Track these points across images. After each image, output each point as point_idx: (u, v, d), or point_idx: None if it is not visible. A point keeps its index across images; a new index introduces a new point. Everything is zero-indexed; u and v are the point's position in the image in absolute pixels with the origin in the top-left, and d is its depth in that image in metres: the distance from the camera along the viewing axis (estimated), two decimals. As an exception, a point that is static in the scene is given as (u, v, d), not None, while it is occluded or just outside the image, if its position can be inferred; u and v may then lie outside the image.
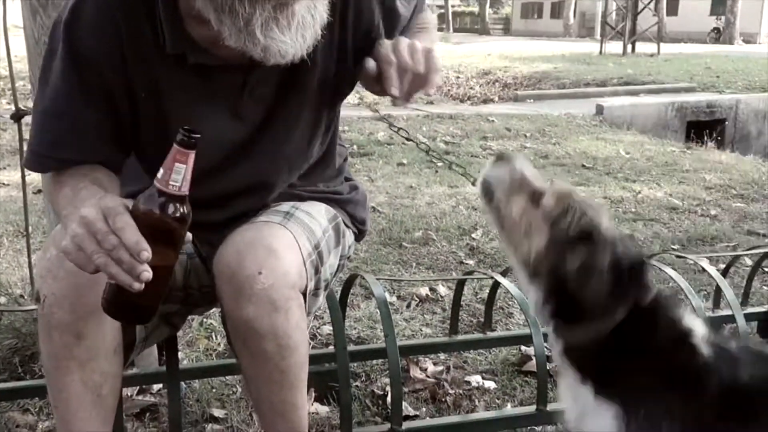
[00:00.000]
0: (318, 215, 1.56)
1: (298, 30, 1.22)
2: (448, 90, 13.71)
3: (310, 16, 1.23)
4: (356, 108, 8.72)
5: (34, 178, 4.20)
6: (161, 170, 1.10)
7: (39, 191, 4.01)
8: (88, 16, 1.31)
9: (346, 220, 1.68)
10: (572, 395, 1.30)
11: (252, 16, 1.17)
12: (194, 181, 1.12)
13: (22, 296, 2.73)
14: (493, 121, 8.29)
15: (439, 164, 5.85)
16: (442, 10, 61.85)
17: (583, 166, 6.05)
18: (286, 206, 1.53)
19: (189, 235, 1.17)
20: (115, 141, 1.39)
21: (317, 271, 1.49)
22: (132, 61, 1.33)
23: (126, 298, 1.12)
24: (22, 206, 2.48)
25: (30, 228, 2.54)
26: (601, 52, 19.63)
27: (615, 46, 20.34)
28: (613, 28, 21.28)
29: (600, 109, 9.21)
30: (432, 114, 8.80)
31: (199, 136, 1.10)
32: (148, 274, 1.07)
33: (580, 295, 1.22)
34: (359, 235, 1.77)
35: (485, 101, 11.85)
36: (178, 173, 1.10)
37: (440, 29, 56.43)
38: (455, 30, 54.76)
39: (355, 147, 6.34)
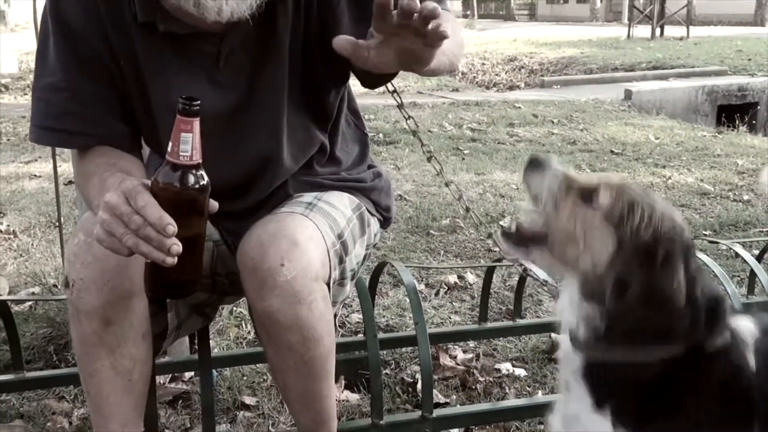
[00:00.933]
0: (341, 205, 1.55)
1: None
2: (474, 77, 13.65)
3: None
4: (381, 96, 8.70)
5: (65, 169, 4.26)
6: (170, 143, 1.10)
7: (70, 182, 4.06)
8: None
9: (371, 208, 1.67)
10: (575, 421, 1.18)
11: None
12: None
13: (55, 286, 2.77)
14: (519, 107, 8.22)
15: (465, 151, 5.83)
16: (467, -3, 61.40)
17: (612, 152, 5.98)
18: (308, 197, 1.53)
19: (215, 204, 1.17)
20: (118, 111, 1.42)
21: (341, 261, 1.48)
22: (112, 31, 1.36)
23: (165, 275, 1.13)
24: (53, 197, 2.51)
25: (62, 218, 2.57)
26: (629, 37, 19.37)
27: (643, 30, 20.06)
28: (642, 12, 20.98)
29: (628, 94, 9.10)
30: (458, 101, 8.75)
31: (199, 102, 1.10)
32: (177, 247, 1.08)
33: (647, 313, 1.06)
34: (385, 223, 1.76)
35: (511, 88, 11.79)
36: (185, 143, 1.10)
37: (465, 15, 56.15)
38: (480, 16, 54.40)
39: (381, 135, 6.33)
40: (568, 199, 1.15)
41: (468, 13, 55.49)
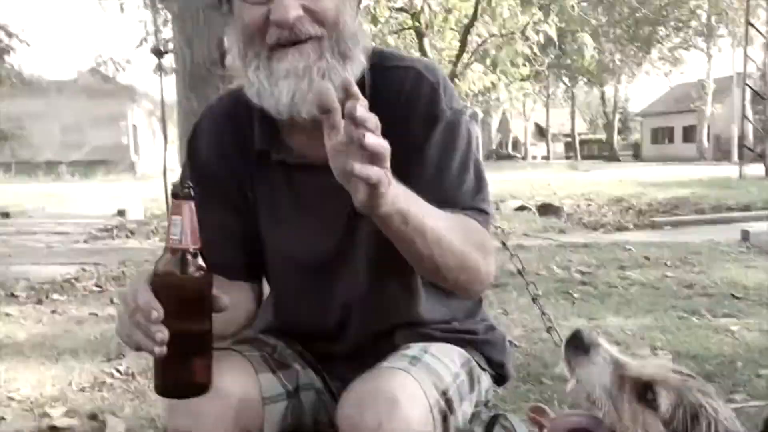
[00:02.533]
0: (448, 359, 1.49)
1: (288, 76, 1.27)
2: (580, 218, 13.51)
3: (304, 66, 1.28)
4: (487, 238, 8.71)
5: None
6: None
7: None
8: (204, 131, 1.50)
9: (482, 363, 1.61)
10: None
11: (246, 57, 1.30)
12: (299, 302, 1.07)
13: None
14: (629, 249, 8.03)
15: (576, 295, 5.69)
16: (569, 139, 62.22)
17: (733, 296, 5.68)
18: (414, 349, 1.48)
19: (224, 300, 1.15)
20: (239, 242, 1.48)
21: (445, 419, 1.41)
22: (238, 162, 1.44)
23: (168, 372, 1.11)
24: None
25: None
26: (740, 176, 18.88)
27: (756, 169, 19.51)
28: (752, 151, 20.50)
29: (746, 235, 8.73)
30: (565, 243, 8.65)
31: (190, 185, 1.08)
32: (161, 335, 1.06)
33: None
34: (499, 380, 1.70)
35: (619, 229, 11.55)
36: (175, 226, 1.07)
37: (568, 157, 56.59)
38: (583, 157, 54.76)
39: (487, 278, 6.28)
40: (623, 396, 1.05)
41: (571, 154, 55.97)
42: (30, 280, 6.61)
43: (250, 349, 1.51)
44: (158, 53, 3.11)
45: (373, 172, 1.05)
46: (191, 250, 1.09)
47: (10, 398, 3.38)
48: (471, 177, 1.43)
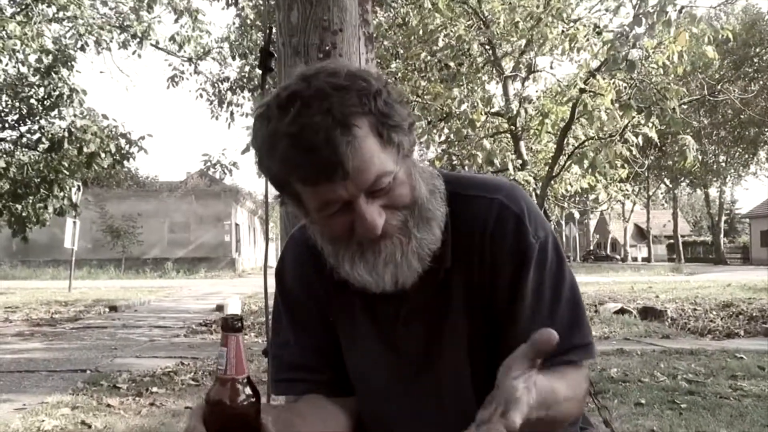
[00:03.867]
0: None
1: (387, 266, 1.29)
2: (685, 323, 12.89)
3: (400, 254, 1.29)
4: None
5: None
6: None
7: None
8: (288, 261, 1.55)
9: None
10: None
11: (337, 255, 1.33)
12: (380, 425, 1.10)
13: None
14: (741, 357, 7.55)
15: (683, 406, 5.36)
16: (671, 240, 60.28)
17: None
18: None
19: (272, 430, 1.16)
20: (333, 360, 1.50)
21: None
22: (320, 290, 1.48)
23: None
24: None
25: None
26: None
27: None
28: None
29: None
30: (669, 349, 8.23)
31: (239, 318, 1.15)
32: None
33: None
34: None
35: (729, 335, 10.91)
36: (222, 356, 1.13)
37: (671, 259, 54.59)
38: (687, 260, 52.78)
39: (586, 384, 6.02)
40: None
41: (674, 257, 54.08)
42: (132, 373, 6.82)
43: None
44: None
45: None
46: (239, 379, 1.15)
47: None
48: (564, 306, 1.39)
